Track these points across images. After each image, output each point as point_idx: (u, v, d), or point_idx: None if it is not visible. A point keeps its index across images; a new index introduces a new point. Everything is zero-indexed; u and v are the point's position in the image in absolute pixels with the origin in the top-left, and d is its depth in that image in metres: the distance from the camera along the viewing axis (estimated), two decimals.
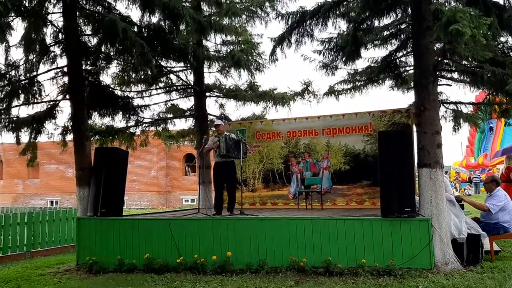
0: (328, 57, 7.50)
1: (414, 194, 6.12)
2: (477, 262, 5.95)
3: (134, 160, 23.68)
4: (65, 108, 8.58)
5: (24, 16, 7.33)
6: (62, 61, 8.31)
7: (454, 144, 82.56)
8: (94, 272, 6.69)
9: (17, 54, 42.25)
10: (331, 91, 8.66)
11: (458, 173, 29.97)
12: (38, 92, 8.22)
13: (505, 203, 6.34)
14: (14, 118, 8.13)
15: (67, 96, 8.19)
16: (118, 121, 9.47)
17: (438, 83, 6.76)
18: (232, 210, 7.41)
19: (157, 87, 10.43)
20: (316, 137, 9.05)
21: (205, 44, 9.90)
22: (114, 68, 9.38)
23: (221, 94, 10.77)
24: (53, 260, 8.15)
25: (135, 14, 30.36)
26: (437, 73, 6.58)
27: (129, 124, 9.74)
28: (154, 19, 7.55)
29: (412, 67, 7.42)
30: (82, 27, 8.08)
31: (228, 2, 9.03)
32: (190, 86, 10.36)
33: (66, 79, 8.32)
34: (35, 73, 8.18)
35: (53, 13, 7.83)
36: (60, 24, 7.88)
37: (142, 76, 9.55)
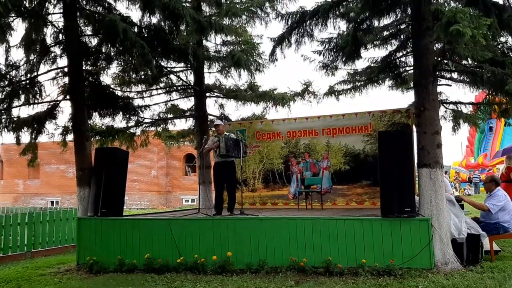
0: (328, 57, 7.51)
1: (414, 194, 6.13)
2: (477, 262, 5.95)
3: (135, 160, 23.70)
4: (66, 109, 8.61)
5: (25, 17, 7.34)
6: (63, 62, 8.34)
7: (454, 144, 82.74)
8: (95, 272, 6.70)
9: (17, 55, 42.34)
10: (331, 91, 8.68)
11: (458, 173, 30.00)
12: (38, 92, 8.23)
13: (505, 203, 6.35)
14: (15, 119, 8.13)
15: (68, 97, 8.20)
16: (119, 122, 9.49)
17: (438, 83, 6.77)
18: (232, 210, 7.42)
19: (157, 87, 10.43)
20: (316, 137, 9.05)
21: (205, 45, 9.90)
22: (114, 68, 9.42)
23: (221, 94, 10.77)
24: (54, 260, 8.17)
25: (135, 14, 30.33)
26: (437, 73, 6.58)
27: (129, 125, 9.74)
28: (154, 20, 7.56)
29: (412, 67, 7.42)
30: (83, 28, 8.10)
31: (228, 2, 9.03)
32: (190, 87, 10.35)
33: (66, 79, 8.33)
34: (35, 74, 8.19)
35: (53, 13, 7.86)
36: (61, 24, 7.90)
37: (142, 77, 9.54)
